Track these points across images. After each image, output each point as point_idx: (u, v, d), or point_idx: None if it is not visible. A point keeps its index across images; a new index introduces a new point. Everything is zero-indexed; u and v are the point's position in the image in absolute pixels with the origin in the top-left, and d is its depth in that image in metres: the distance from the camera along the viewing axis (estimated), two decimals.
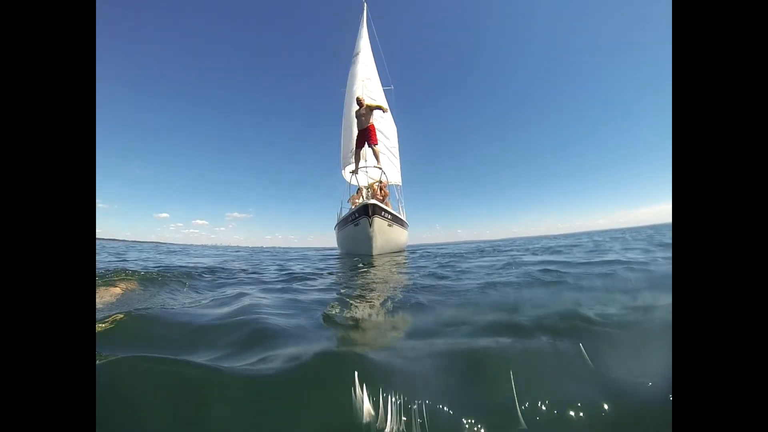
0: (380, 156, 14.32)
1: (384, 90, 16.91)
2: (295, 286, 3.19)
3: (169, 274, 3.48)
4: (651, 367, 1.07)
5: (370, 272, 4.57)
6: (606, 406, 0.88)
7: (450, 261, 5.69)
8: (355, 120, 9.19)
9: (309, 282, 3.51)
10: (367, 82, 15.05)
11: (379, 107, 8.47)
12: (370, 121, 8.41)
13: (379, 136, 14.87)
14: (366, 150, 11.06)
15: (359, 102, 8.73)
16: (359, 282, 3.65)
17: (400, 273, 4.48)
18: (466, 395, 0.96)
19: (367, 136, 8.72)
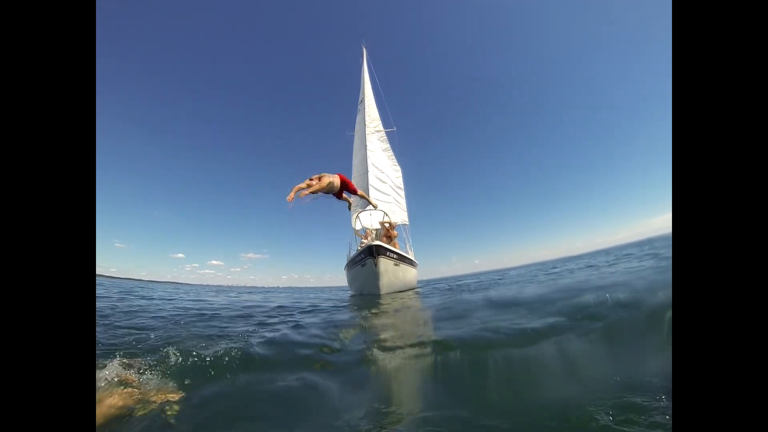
0: (385, 197, 14.90)
1: (387, 132, 17.88)
2: None
3: None
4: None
5: None
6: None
7: None
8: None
9: None
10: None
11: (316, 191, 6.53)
12: (337, 185, 6.90)
13: (383, 177, 15.59)
14: (369, 192, 11.42)
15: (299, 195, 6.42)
16: None
17: None
18: None
19: (344, 191, 7.29)
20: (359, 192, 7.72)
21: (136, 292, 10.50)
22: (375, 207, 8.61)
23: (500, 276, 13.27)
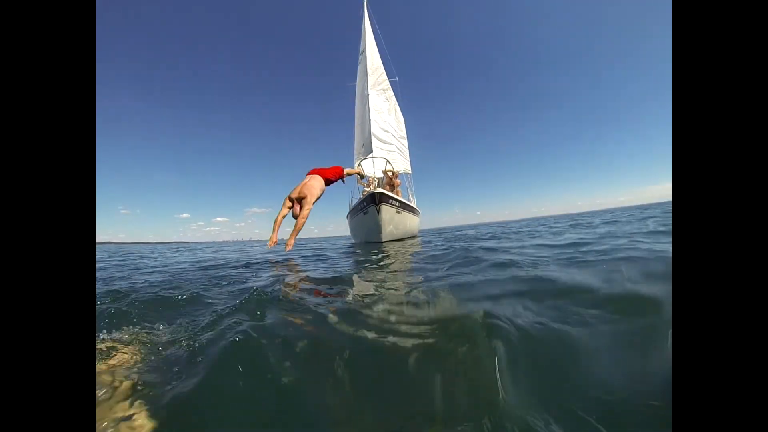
0: (388, 146, 14.77)
1: (389, 81, 17.32)
2: None
3: None
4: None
5: None
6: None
7: None
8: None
9: None
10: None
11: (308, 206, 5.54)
12: (323, 186, 6.01)
13: (386, 127, 15.33)
14: (371, 141, 11.48)
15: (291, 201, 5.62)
16: None
17: None
18: None
19: (332, 180, 6.25)
20: (345, 172, 6.62)
21: (141, 253, 10.73)
22: (366, 185, 7.67)
23: (503, 229, 13.47)
